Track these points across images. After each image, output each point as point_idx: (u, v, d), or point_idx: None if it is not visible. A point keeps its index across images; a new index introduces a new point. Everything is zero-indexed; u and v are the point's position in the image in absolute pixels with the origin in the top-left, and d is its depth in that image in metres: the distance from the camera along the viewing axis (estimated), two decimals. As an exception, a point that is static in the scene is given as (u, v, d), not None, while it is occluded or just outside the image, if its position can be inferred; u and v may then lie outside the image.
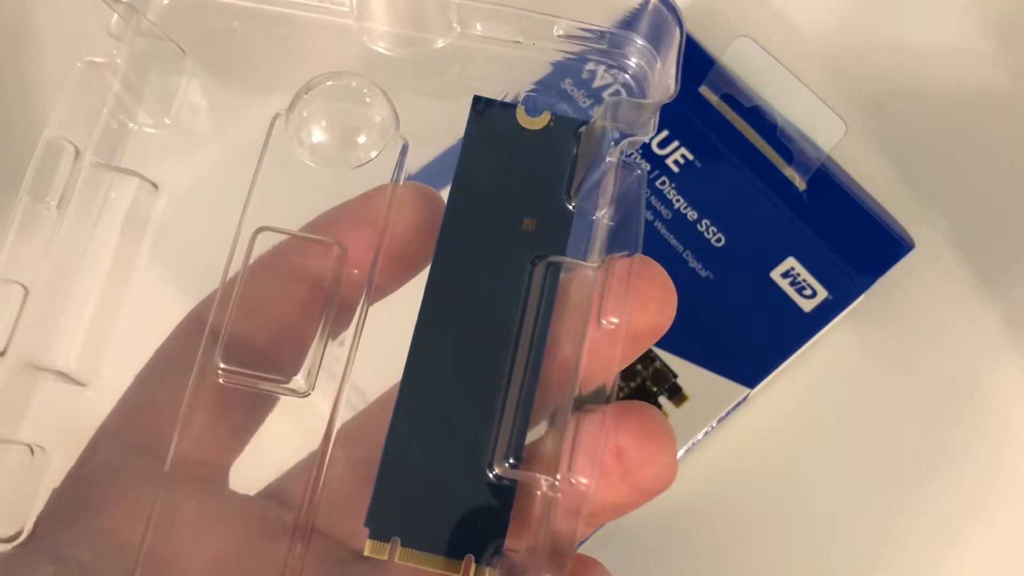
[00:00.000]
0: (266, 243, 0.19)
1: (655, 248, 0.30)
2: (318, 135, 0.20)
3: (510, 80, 0.21)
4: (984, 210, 0.33)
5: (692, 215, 0.30)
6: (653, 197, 0.30)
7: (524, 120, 0.20)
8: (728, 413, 0.29)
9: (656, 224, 0.30)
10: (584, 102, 0.24)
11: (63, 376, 0.19)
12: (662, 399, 0.29)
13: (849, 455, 0.30)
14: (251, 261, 0.19)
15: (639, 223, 0.19)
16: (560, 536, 0.17)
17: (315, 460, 0.19)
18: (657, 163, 0.30)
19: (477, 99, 0.20)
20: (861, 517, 0.30)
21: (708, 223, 0.30)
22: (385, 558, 0.18)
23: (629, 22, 0.20)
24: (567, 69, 0.21)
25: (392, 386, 0.19)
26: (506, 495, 0.18)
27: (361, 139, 0.20)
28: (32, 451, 0.18)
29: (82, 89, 0.19)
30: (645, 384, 0.29)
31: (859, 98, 0.34)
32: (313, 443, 0.19)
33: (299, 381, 0.19)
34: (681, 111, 0.31)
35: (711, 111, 0.31)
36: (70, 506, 0.19)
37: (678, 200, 0.30)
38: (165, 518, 0.19)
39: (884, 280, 0.30)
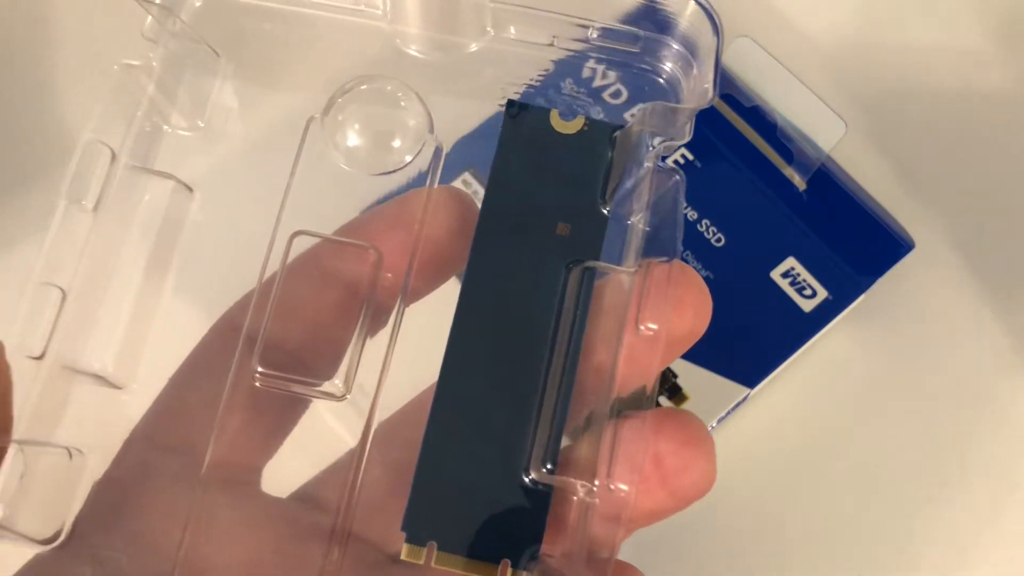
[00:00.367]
0: (303, 246, 0.19)
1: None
2: (353, 139, 0.20)
3: (544, 84, 0.21)
4: (984, 210, 0.33)
5: (692, 215, 0.30)
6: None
7: (558, 124, 0.20)
8: (728, 413, 0.29)
9: (656, 224, 0.30)
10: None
11: (99, 379, 0.20)
12: (662, 399, 0.29)
13: (849, 455, 0.31)
14: (287, 263, 0.19)
15: (677, 228, 0.19)
16: (599, 542, 0.17)
17: (351, 463, 0.19)
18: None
19: (511, 103, 0.20)
20: (861, 517, 0.30)
21: (708, 223, 0.30)
22: (422, 562, 0.18)
23: (664, 26, 0.20)
24: (583, 69, 0.21)
25: (427, 389, 0.19)
26: (542, 500, 0.18)
27: (396, 143, 0.20)
28: (70, 454, 0.19)
29: (118, 92, 0.19)
30: (645, 384, 0.29)
31: (859, 98, 0.34)
32: (349, 446, 0.19)
33: (336, 384, 0.19)
34: (681, 111, 0.31)
35: (711, 111, 0.31)
36: (106, 508, 0.19)
37: (678, 200, 0.30)
38: (201, 521, 0.19)
39: (884, 280, 0.30)
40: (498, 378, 0.19)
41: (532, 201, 0.20)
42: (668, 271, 0.18)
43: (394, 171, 0.20)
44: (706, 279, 0.29)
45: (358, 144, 0.20)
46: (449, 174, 0.20)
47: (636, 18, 0.20)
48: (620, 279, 0.19)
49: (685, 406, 0.29)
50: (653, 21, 0.20)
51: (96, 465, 0.19)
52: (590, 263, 0.19)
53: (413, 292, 0.20)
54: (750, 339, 0.29)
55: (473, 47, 0.21)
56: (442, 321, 0.19)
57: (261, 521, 0.20)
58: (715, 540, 0.30)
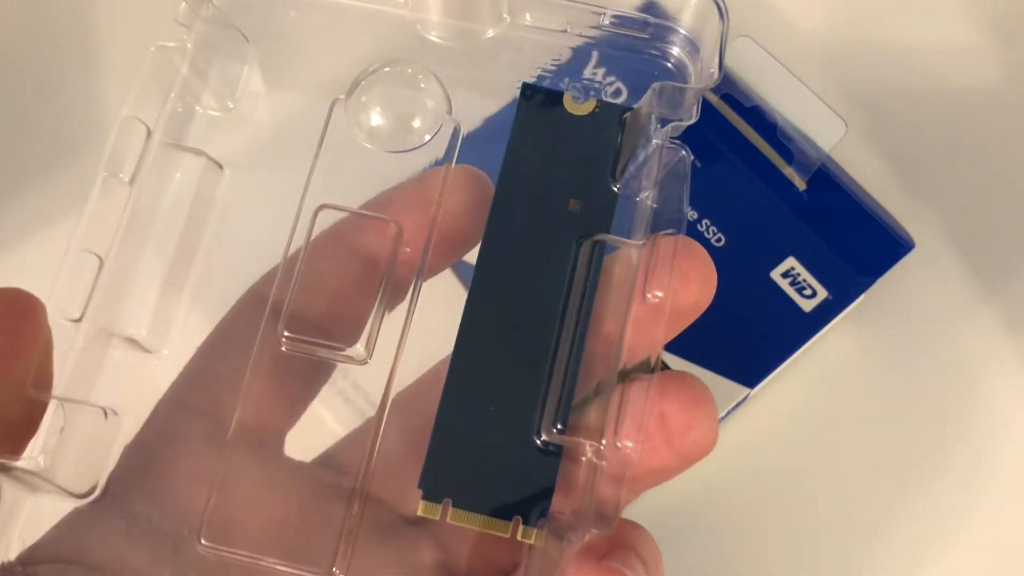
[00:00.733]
0: (327, 220, 0.20)
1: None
2: (375, 119, 0.21)
3: (558, 68, 0.22)
4: (984, 210, 0.33)
5: (692, 215, 0.30)
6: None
7: (571, 107, 0.21)
8: (728, 413, 0.29)
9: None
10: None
11: (133, 343, 0.21)
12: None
13: (849, 455, 0.31)
14: (312, 238, 0.20)
15: (683, 204, 0.20)
16: (606, 500, 0.18)
17: (371, 427, 0.20)
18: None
19: (526, 86, 0.21)
20: (861, 517, 0.30)
21: (708, 223, 0.30)
22: (437, 518, 0.19)
23: (673, 13, 0.21)
24: (576, 65, 0.22)
25: (443, 359, 0.20)
26: (553, 459, 0.19)
27: (416, 123, 0.21)
28: (105, 413, 0.20)
29: (154, 72, 0.21)
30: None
31: (859, 98, 0.34)
32: (369, 411, 0.20)
33: (358, 350, 0.20)
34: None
35: (711, 111, 0.31)
36: (137, 468, 0.20)
37: (678, 200, 0.30)
38: (227, 482, 0.20)
39: (884, 280, 0.30)
40: (511, 345, 0.20)
41: (545, 179, 0.20)
42: (674, 243, 0.19)
43: (414, 150, 0.21)
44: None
45: (380, 124, 0.21)
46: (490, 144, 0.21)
47: (645, 5, 0.21)
48: (628, 253, 0.20)
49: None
50: (662, 8, 0.21)
51: (129, 426, 0.20)
52: (600, 236, 0.20)
53: (430, 267, 0.21)
54: (750, 339, 0.29)
55: (490, 33, 0.22)
56: (459, 294, 0.20)
57: (284, 483, 0.21)
58: (715, 539, 0.30)
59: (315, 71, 0.23)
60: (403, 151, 0.21)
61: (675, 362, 0.29)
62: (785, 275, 0.30)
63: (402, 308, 0.21)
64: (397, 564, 0.20)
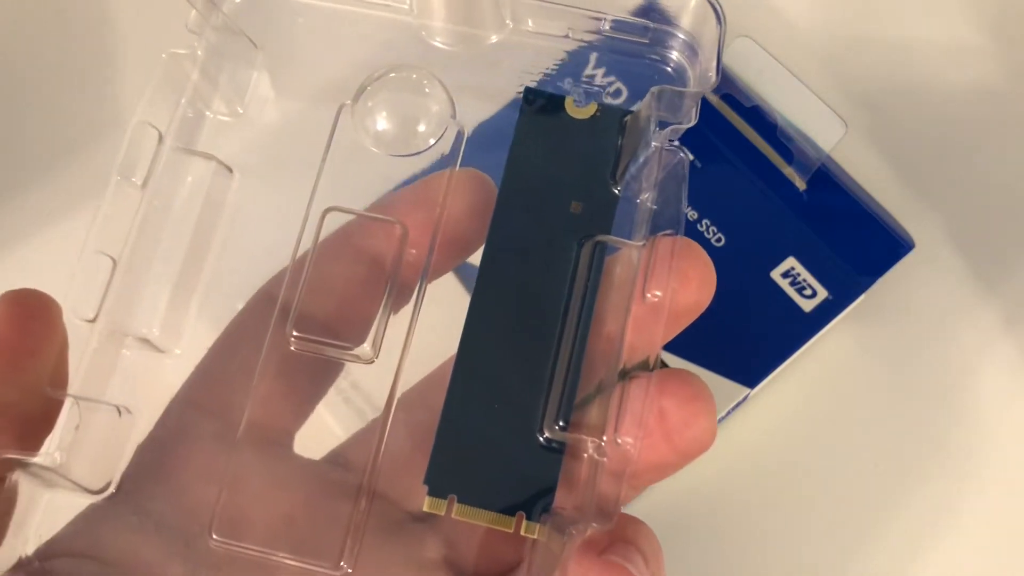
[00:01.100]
0: (334, 223, 0.21)
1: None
2: (381, 123, 0.22)
3: (559, 73, 0.22)
4: (984, 210, 0.33)
5: (692, 215, 0.30)
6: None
7: (572, 110, 0.21)
8: (728, 413, 0.29)
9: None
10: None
11: (146, 343, 0.21)
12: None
13: (849, 455, 0.31)
14: (319, 240, 0.21)
15: (682, 205, 0.20)
16: (607, 495, 0.19)
17: (378, 426, 0.20)
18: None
19: (528, 91, 0.22)
20: (861, 516, 0.30)
21: (708, 223, 0.30)
22: (443, 514, 0.19)
23: (671, 18, 0.21)
24: (576, 67, 0.23)
25: (446, 361, 0.21)
26: (555, 456, 0.19)
27: (420, 127, 0.22)
28: (119, 411, 0.20)
29: (165, 79, 0.21)
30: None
31: (859, 98, 0.34)
32: (376, 409, 0.21)
33: (365, 349, 0.20)
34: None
35: (711, 111, 0.31)
36: (149, 466, 0.21)
37: (679, 200, 0.30)
38: (237, 479, 0.20)
39: (884, 280, 0.30)
40: (515, 345, 0.20)
41: (547, 181, 0.21)
42: (672, 244, 0.20)
43: (418, 153, 0.22)
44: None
45: (386, 128, 0.22)
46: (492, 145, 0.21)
47: (645, 10, 0.22)
48: (629, 254, 0.20)
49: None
50: (661, 12, 0.21)
51: (142, 424, 0.21)
52: (601, 238, 0.20)
53: (434, 269, 0.22)
54: (750, 339, 0.29)
55: (493, 39, 0.22)
56: (463, 295, 0.21)
57: (293, 480, 0.21)
58: (715, 539, 0.30)
59: (322, 76, 0.23)
60: (408, 155, 0.22)
61: (675, 362, 0.29)
62: (785, 275, 0.30)
63: (408, 308, 0.21)
64: (403, 559, 0.20)
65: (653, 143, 0.20)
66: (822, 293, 0.30)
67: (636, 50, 0.22)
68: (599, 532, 0.18)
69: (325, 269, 0.21)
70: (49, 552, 0.20)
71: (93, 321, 0.20)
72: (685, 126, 0.20)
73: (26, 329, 0.18)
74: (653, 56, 0.22)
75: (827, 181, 0.31)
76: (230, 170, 0.22)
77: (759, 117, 0.31)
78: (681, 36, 0.21)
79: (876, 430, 0.31)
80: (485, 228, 0.21)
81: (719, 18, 0.20)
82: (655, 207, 0.21)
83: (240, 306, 0.22)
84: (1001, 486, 0.30)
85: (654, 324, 0.19)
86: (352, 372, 0.22)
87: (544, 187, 0.21)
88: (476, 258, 0.21)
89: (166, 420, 0.21)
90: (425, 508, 0.19)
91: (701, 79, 0.21)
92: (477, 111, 0.22)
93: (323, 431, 0.23)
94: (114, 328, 0.20)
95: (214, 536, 0.19)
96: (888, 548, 0.30)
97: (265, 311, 0.21)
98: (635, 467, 0.19)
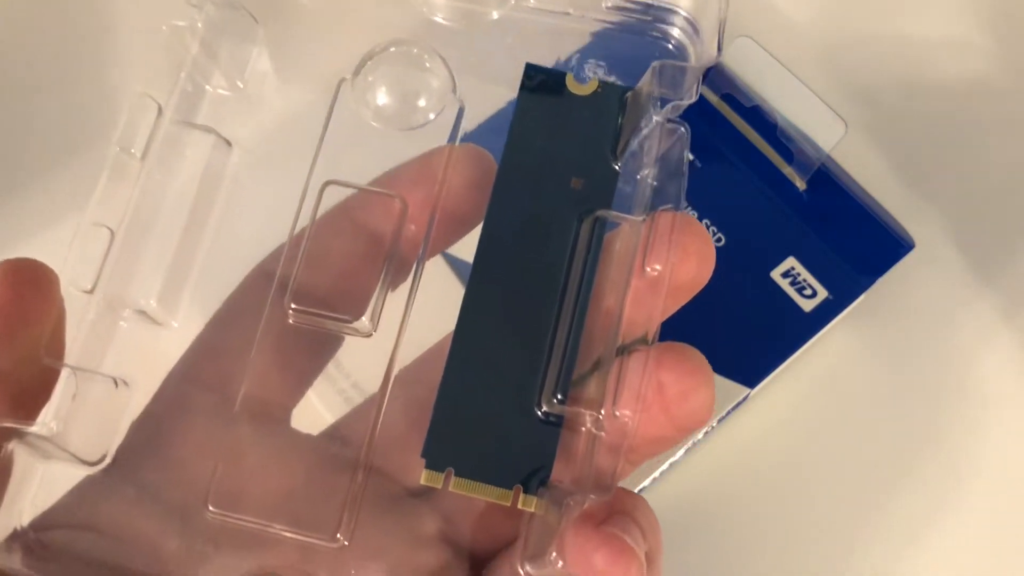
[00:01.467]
0: (333, 197, 0.21)
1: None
2: (381, 98, 0.22)
3: (560, 50, 0.22)
4: (984, 209, 0.33)
5: (692, 215, 0.30)
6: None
7: (573, 87, 0.21)
8: (728, 413, 0.29)
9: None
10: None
11: (143, 315, 0.21)
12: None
13: (849, 455, 0.31)
14: (319, 213, 0.21)
15: (682, 180, 0.20)
16: (604, 468, 0.19)
17: (375, 400, 0.20)
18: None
19: (529, 67, 0.21)
20: (861, 516, 0.30)
21: (708, 223, 0.30)
22: (440, 486, 0.19)
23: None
24: (577, 43, 0.23)
25: (444, 337, 0.20)
26: (552, 430, 0.19)
27: (421, 102, 0.22)
28: (116, 383, 0.20)
29: (165, 51, 0.21)
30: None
31: (859, 98, 0.34)
32: (374, 384, 0.21)
33: (363, 322, 0.20)
34: (681, 110, 0.31)
35: (711, 111, 0.31)
36: (145, 439, 0.21)
37: (679, 200, 0.30)
38: (233, 453, 0.20)
39: (884, 280, 0.30)
40: (513, 319, 0.20)
41: (548, 157, 0.21)
42: (673, 219, 0.19)
43: (419, 128, 0.22)
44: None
45: (386, 103, 0.22)
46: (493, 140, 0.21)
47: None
48: (628, 229, 0.20)
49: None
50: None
51: (138, 396, 0.20)
52: (601, 213, 0.20)
53: (434, 245, 0.22)
54: (750, 339, 0.29)
55: (495, 15, 0.22)
56: (460, 272, 0.21)
57: (291, 454, 0.21)
58: (715, 539, 0.30)
59: (322, 51, 0.23)
60: (408, 129, 0.22)
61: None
62: (785, 275, 0.30)
63: (406, 283, 0.21)
64: (400, 532, 0.20)
65: (654, 119, 0.20)
66: (822, 293, 0.30)
67: (638, 27, 0.22)
68: (597, 504, 0.18)
69: (324, 243, 0.21)
70: (45, 523, 0.20)
71: (91, 292, 0.20)
72: (686, 102, 0.20)
73: (23, 297, 0.18)
74: (655, 33, 0.22)
75: (827, 181, 0.31)
76: (229, 144, 0.22)
77: (759, 117, 0.31)
78: (683, 13, 0.21)
79: (876, 429, 0.31)
80: (485, 203, 0.21)
81: (721, -7, 0.20)
82: (655, 183, 0.21)
83: (238, 280, 0.21)
84: (1001, 485, 0.31)
85: (653, 298, 0.19)
86: (350, 347, 0.22)
87: (544, 163, 0.21)
88: (474, 238, 0.21)
89: (163, 393, 0.21)
90: (422, 481, 0.19)
91: (703, 56, 0.21)
92: (478, 86, 0.22)
93: (320, 407, 0.23)
94: (111, 300, 0.20)
95: (210, 508, 0.19)
96: (888, 547, 0.30)
97: (263, 285, 0.21)
98: (633, 440, 0.19)
